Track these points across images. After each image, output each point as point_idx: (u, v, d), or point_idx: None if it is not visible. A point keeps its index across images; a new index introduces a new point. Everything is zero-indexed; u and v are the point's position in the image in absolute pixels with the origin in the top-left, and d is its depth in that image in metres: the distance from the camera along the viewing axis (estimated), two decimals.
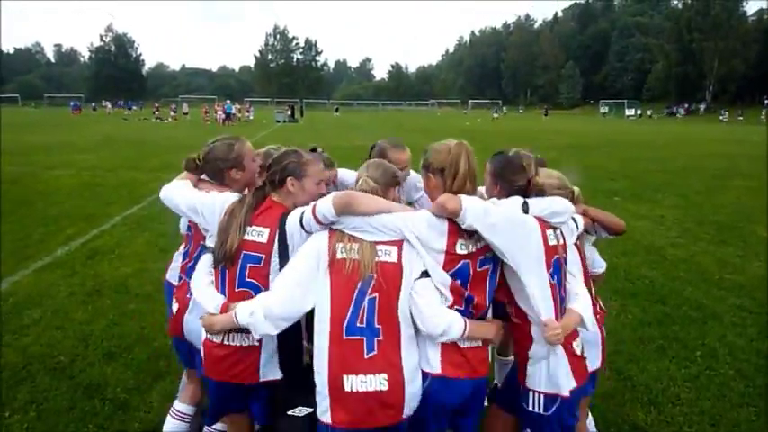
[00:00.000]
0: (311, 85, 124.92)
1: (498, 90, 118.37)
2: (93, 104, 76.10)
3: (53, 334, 4.97)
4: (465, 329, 2.28)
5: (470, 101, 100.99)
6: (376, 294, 2.26)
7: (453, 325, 2.26)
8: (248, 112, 56.16)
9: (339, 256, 2.31)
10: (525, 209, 2.37)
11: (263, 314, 2.25)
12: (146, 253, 7.39)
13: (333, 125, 44.80)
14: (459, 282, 2.31)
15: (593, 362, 2.80)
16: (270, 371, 2.56)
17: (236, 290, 2.50)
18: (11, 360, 4.48)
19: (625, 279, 6.55)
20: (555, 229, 2.45)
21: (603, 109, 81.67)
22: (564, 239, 2.51)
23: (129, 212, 9.89)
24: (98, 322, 5.23)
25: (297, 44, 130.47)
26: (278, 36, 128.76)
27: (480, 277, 2.36)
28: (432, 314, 2.26)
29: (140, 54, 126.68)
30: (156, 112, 55.25)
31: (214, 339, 2.52)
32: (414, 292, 2.30)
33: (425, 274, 2.32)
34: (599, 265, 3.16)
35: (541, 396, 2.44)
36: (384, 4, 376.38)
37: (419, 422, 2.36)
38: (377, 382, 2.20)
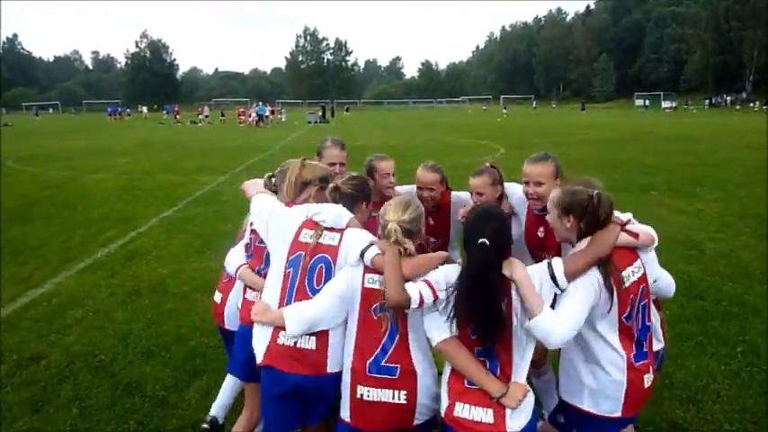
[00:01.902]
0: (342, 85, 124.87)
1: (530, 85, 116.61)
2: (128, 109, 77.84)
3: (94, 333, 5.13)
4: (237, 272, 3.03)
5: (502, 96, 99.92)
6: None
7: (229, 263, 3.13)
8: (280, 114, 57.05)
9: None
10: (307, 212, 2.71)
11: None
12: (182, 254, 7.50)
13: (362, 124, 44.88)
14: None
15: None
16: None
17: None
18: (55, 359, 4.65)
19: None
20: (318, 230, 2.62)
21: (639, 101, 79.78)
22: (338, 243, 2.61)
23: (166, 214, 10.08)
24: (137, 322, 5.38)
25: (327, 45, 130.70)
26: (308, 37, 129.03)
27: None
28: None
29: (174, 59, 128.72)
30: (177, 116, 56.48)
31: None
32: None
33: None
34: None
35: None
36: (412, 2, 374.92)
37: None
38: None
